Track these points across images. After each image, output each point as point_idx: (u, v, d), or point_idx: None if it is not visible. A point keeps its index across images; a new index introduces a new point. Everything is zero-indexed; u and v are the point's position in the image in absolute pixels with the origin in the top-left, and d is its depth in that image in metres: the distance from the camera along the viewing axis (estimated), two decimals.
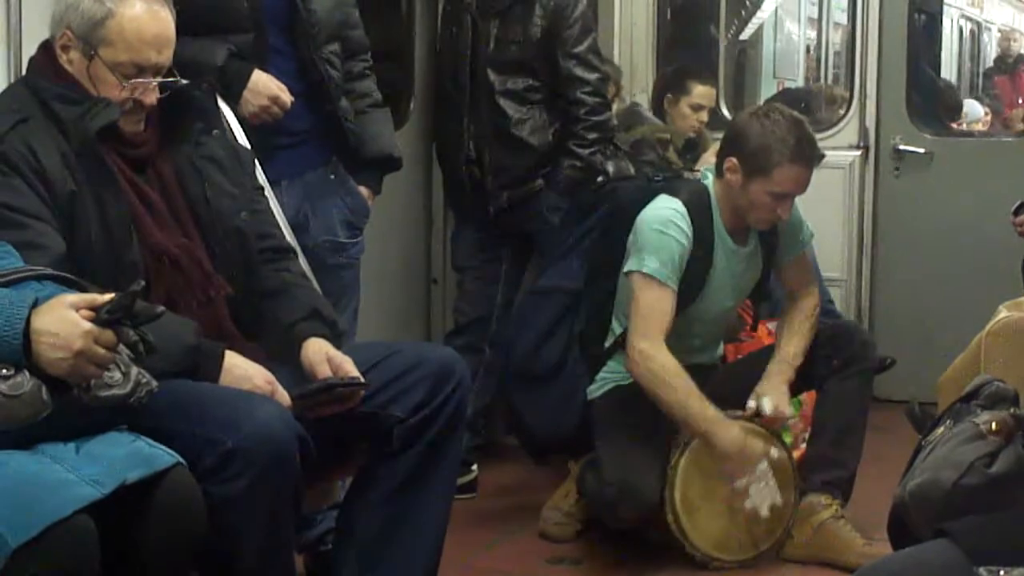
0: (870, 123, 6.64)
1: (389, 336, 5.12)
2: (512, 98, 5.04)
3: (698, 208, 4.40)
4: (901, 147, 6.66)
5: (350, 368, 3.22)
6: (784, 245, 4.59)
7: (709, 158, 5.41)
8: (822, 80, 10.15)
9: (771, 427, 4.46)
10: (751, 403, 4.45)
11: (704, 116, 6.33)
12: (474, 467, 5.20)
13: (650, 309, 4.34)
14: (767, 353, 4.65)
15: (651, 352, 4.31)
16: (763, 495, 4.34)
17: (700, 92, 6.34)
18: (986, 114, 8.57)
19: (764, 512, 4.35)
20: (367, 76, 4.42)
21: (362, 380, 3.22)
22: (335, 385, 3.18)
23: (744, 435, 4.34)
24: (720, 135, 4.73)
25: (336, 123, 4.20)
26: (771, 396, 4.44)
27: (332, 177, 4.27)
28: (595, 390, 4.56)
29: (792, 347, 4.52)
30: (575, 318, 4.64)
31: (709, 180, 4.48)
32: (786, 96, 9.20)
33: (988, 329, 3.89)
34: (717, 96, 6.84)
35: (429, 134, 5.53)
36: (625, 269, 4.39)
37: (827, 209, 6.32)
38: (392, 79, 4.67)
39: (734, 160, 4.36)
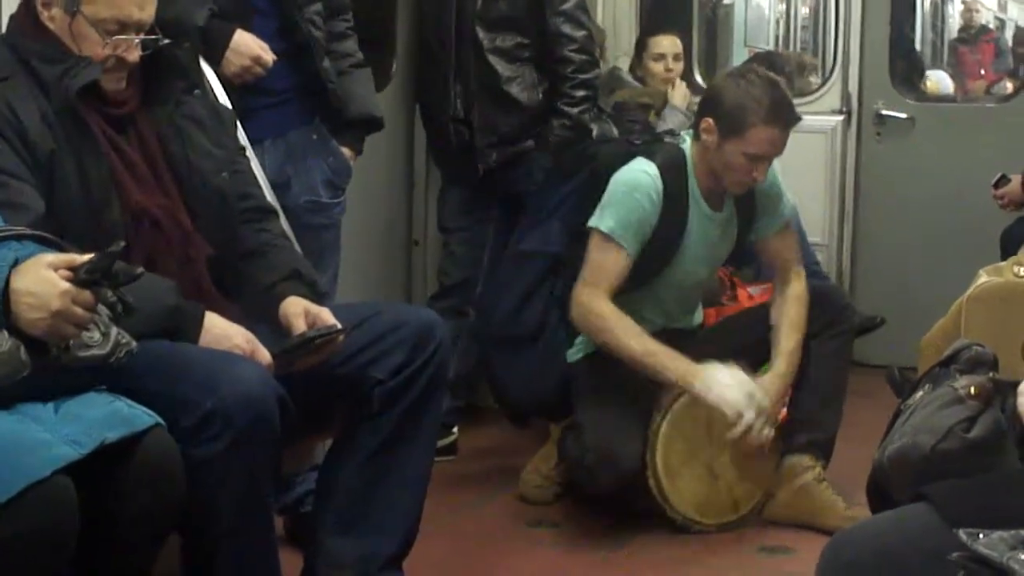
0: (853, 88, 6.64)
1: (369, 298, 5.09)
2: (502, 56, 5.00)
3: (672, 171, 4.39)
4: (883, 112, 6.67)
5: (327, 318, 3.20)
6: (762, 215, 4.57)
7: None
8: (791, 49, 10.22)
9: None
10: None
11: (671, 64, 6.28)
12: (454, 430, 5.20)
13: (598, 266, 4.36)
14: (748, 316, 4.66)
15: (587, 300, 4.35)
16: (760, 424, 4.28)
17: (656, 42, 6.31)
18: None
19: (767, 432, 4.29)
20: (349, 36, 4.40)
21: (339, 327, 3.20)
22: (313, 337, 3.15)
23: (695, 366, 4.29)
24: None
25: (319, 83, 4.19)
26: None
27: (315, 138, 4.26)
28: (574, 353, 4.56)
29: (791, 342, 4.46)
30: (555, 282, 4.62)
31: (687, 143, 4.47)
32: (757, 60, 9.21)
33: (968, 294, 3.90)
34: (689, 62, 6.82)
35: (412, 93, 5.50)
36: (588, 223, 4.40)
37: (809, 173, 6.34)
38: (373, 35, 4.64)
39: (710, 120, 4.34)
